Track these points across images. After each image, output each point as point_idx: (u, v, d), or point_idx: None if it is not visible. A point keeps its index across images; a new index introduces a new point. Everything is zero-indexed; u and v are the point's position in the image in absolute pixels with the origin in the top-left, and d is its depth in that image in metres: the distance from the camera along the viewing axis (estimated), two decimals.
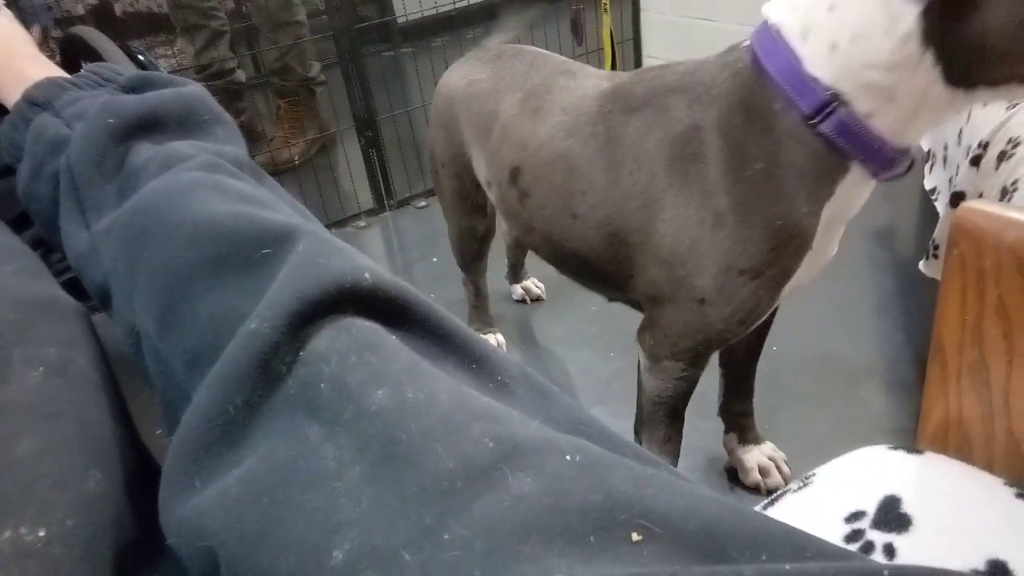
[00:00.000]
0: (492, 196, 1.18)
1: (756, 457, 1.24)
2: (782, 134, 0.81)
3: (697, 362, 0.98)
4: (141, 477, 0.33)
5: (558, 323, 1.74)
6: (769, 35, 0.80)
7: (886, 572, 0.20)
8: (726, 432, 1.26)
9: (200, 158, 0.40)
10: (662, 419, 1.05)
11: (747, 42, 0.83)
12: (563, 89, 1.05)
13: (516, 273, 1.82)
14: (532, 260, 1.81)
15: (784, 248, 0.85)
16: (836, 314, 1.57)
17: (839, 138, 0.78)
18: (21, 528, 0.25)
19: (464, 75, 1.23)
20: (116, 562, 0.28)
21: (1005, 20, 0.66)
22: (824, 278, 1.03)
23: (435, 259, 2.02)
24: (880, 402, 1.36)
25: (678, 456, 1.10)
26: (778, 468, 1.23)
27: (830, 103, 0.76)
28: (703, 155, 0.86)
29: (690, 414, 1.36)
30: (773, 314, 1.12)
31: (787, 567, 0.20)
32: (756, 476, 1.23)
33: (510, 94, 1.11)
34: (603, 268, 1.01)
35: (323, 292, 0.29)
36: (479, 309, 1.65)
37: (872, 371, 1.43)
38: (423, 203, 2.33)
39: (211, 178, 0.38)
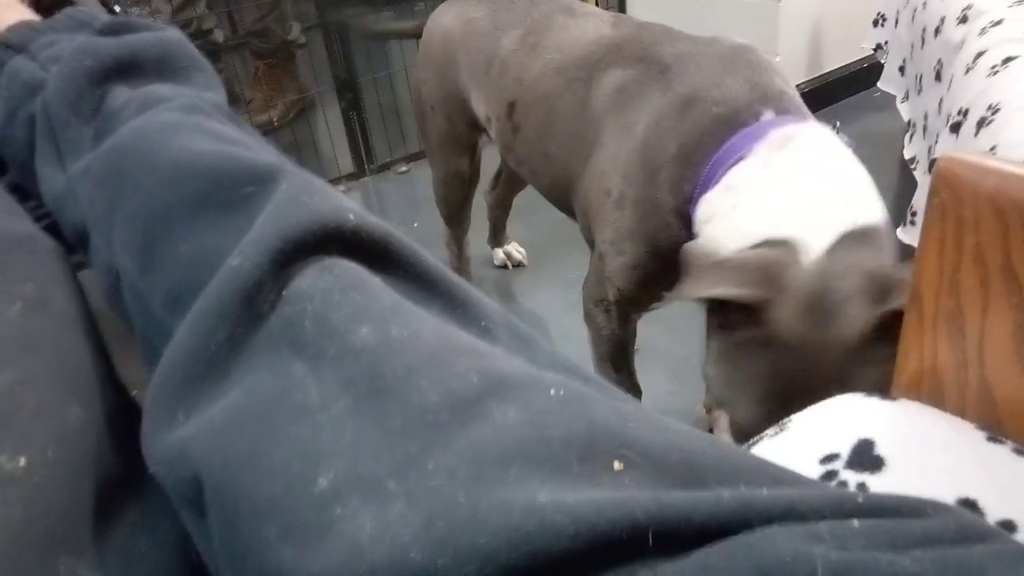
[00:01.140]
0: (492, 132, 1.20)
1: None
2: (684, 178, 0.84)
3: (611, 318, 1.01)
4: (121, 414, 0.33)
5: (540, 288, 1.74)
6: (752, 137, 0.80)
7: (860, 498, 0.21)
8: (707, 391, 1.28)
9: (179, 100, 0.40)
10: (609, 371, 1.09)
11: (759, 117, 0.82)
12: (562, 27, 1.05)
13: (498, 237, 1.81)
14: (514, 225, 1.80)
15: (661, 259, 0.89)
16: None
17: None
18: (1, 456, 0.25)
19: (458, 15, 1.23)
20: (98, 492, 0.28)
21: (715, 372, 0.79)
22: None
23: (416, 224, 2.01)
24: None
25: None
26: None
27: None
28: (636, 135, 0.89)
29: (670, 378, 1.38)
30: None
31: (764, 492, 0.21)
32: (729, 436, 1.25)
33: (511, 30, 1.12)
34: (572, 209, 1.05)
35: (306, 232, 0.29)
36: (461, 272, 1.65)
37: None
38: (404, 168, 2.31)
39: (191, 119, 0.38)
